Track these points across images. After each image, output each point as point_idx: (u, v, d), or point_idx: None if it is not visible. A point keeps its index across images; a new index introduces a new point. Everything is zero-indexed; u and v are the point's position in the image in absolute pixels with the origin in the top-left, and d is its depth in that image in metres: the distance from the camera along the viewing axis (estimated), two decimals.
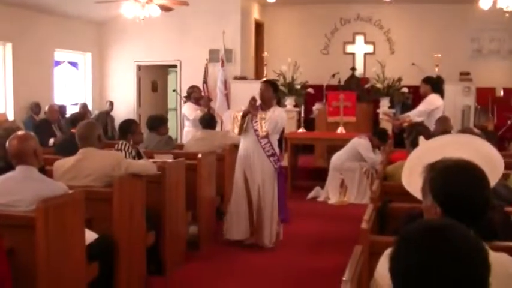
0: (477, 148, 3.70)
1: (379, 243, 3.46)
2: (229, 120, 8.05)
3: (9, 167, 4.87)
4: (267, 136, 7.74)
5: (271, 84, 8.14)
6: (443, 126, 8.07)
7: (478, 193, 2.64)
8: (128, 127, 7.60)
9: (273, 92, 8.03)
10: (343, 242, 8.00)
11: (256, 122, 7.77)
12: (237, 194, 7.96)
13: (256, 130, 7.77)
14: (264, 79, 11.14)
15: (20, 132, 5.01)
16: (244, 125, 7.83)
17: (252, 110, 7.73)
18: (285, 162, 12.76)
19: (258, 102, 7.85)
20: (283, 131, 9.97)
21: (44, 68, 15.09)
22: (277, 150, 7.96)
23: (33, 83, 14.30)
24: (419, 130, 6.40)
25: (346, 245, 5.18)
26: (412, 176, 3.43)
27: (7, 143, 4.84)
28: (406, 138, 6.59)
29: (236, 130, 7.90)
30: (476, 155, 3.30)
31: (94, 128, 6.02)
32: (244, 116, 7.78)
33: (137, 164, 6.16)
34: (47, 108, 12.09)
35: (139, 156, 7.45)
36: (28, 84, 14.13)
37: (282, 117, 7.93)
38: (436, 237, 1.91)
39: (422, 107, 9.82)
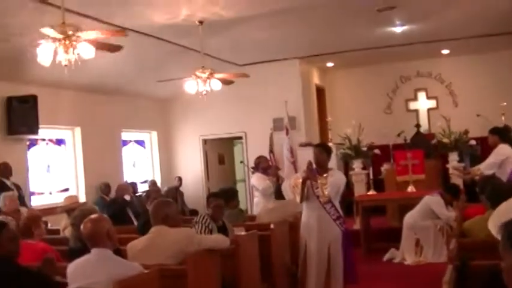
0: None
1: None
2: (288, 189, 8.06)
3: (85, 248, 4.92)
4: (330, 201, 7.71)
5: (324, 148, 8.19)
6: None
7: None
8: (207, 199, 7.72)
9: (327, 155, 8.04)
10: None
11: (317, 188, 7.74)
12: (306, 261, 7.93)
13: (318, 196, 7.74)
14: (317, 143, 11.19)
15: (93, 216, 5.08)
16: (305, 191, 7.81)
17: (310, 176, 7.72)
18: (357, 225, 12.67)
19: (314, 166, 7.85)
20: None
21: (112, 149, 15.40)
22: (341, 212, 7.92)
23: (102, 164, 14.58)
24: (494, 183, 6.29)
25: None
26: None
27: (82, 226, 4.93)
28: (480, 192, 6.46)
29: (297, 198, 7.87)
30: None
31: (162, 207, 6.03)
32: (303, 183, 7.77)
33: (209, 239, 6.18)
34: (116, 187, 12.34)
35: (223, 229, 7.45)
36: (98, 165, 14.41)
37: (342, 181, 7.97)
38: None
39: (492, 158, 9.68)
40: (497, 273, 3.14)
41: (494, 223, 3.66)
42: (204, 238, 6.15)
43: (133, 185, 14.80)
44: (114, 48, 8.53)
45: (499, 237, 3.20)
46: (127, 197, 12.20)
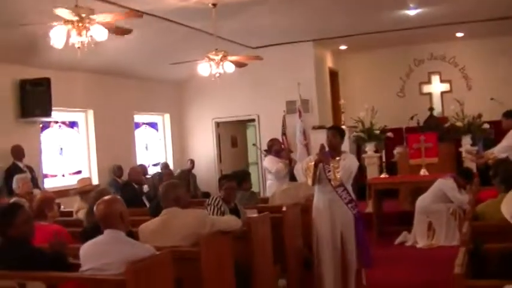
0: None
1: None
2: (301, 172, 7.99)
3: (98, 229, 4.94)
4: (342, 184, 7.67)
5: (338, 130, 8.10)
6: None
7: None
8: (219, 182, 7.73)
9: (341, 138, 7.99)
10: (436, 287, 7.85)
11: (329, 171, 7.68)
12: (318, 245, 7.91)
13: (330, 180, 7.69)
14: (330, 126, 11.14)
15: (106, 197, 5.09)
16: (317, 174, 7.76)
17: (323, 158, 7.67)
18: (369, 209, 12.64)
19: (326, 149, 7.79)
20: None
21: (125, 131, 15.42)
22: (353, 196, 7.87)
23: (115, 147, 14.61)
24: (507, 167, 6.25)
25: None
26: None
27: (95, 207, 4.94)
28: (493, 176, 6.42)
29: (309, 181, 7.81)
30: None
31: (172, 188, 6.04)
32: (316, 165, 7.72)
33: (222, 221, 6.18)
34: (129, 170, 12.35)
35: (235, 211, 7.46)
36: (110, 148, 14.45)
37: (355, 164, 7.90)
38: None
39: (505, 142, 9.61)
40: (510, 255, 3.14)
41: (507, 207, 3.63)
42: (217, 219, 6.16)
43: (143, 168, 14.81)
44: (124, 32, 8.51)
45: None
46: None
